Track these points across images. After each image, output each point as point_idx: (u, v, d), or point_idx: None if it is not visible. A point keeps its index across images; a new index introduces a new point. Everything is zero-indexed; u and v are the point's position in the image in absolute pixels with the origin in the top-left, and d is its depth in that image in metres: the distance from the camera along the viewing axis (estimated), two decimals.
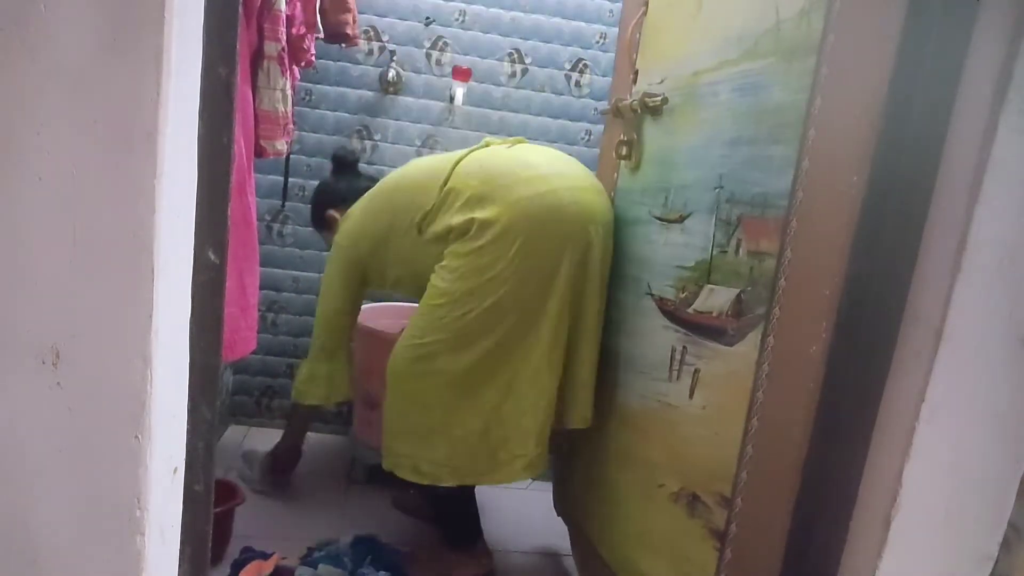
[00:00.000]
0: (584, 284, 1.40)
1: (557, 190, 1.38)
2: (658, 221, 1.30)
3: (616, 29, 2.16)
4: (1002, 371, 0.75)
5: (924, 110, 0.75)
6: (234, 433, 2.18)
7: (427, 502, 1.75)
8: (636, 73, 1.46)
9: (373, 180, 1.73)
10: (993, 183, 0.71)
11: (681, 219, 1.21)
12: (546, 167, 1.44)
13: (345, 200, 1.73)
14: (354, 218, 1.63)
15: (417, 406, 1.42)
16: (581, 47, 2.18)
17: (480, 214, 1.36)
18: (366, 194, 1.64)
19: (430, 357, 1.39)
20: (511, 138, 1.56)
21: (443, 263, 1.42)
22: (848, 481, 0.82)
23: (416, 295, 1.51)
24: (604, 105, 2.18)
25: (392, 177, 1.62)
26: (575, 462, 1.61)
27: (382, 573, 1.46)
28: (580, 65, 2.19)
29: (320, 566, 1.44)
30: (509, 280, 1.34)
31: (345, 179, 1.83)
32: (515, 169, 1.42)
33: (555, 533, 1.75)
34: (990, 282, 0.73)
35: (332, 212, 1.76)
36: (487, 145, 1.54)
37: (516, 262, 1.34)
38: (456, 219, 1.39)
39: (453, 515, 1.62)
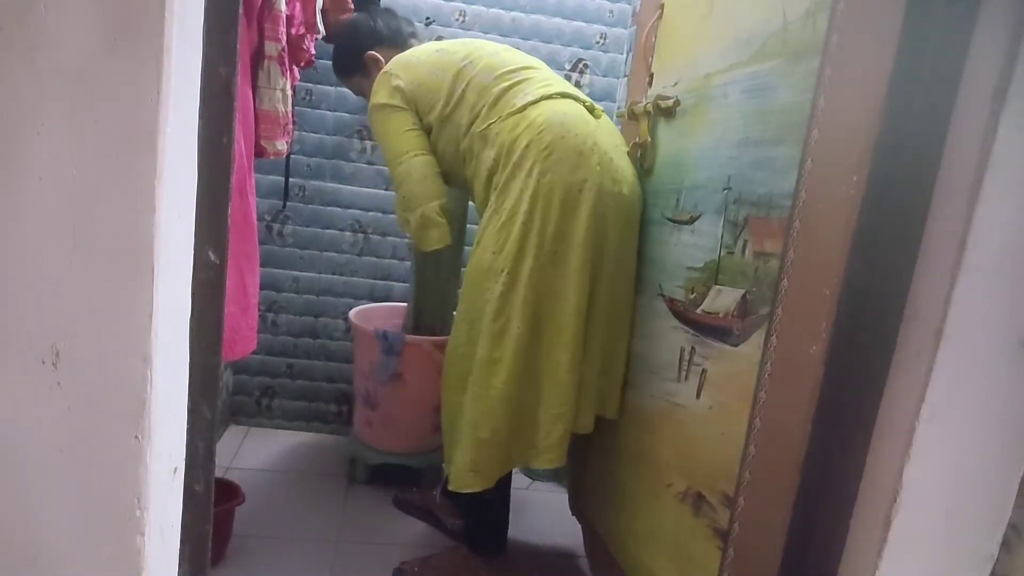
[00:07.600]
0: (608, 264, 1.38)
1: (604, 179, 1.35)
2: (670, 222, 1.31)
3: (616, 29, 2.17)
4: (1002, 371, 0.75)
5: (924, 110, 0.75)
6: (234, 433, 2.18)
7: (462, 506, 1.66)
8: (651, 76, 1.47)
9: (409, 21, 1.59)
10: (993, 183, 0.71)
11: (691, 220, 1.22)
12: (611, 152, 1.39)
13: (385, 41, 1.57)
14: (418, 57, 1.49)
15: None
16: (581, 47, 2.18)
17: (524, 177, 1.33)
18: (430, 46, 1.50)
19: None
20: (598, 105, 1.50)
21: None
22: (848, 481, 0.82)
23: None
24: (604, 105, 2.20)
25: (471, 45, 1.50)
26: (589, 461, 1.61)
27: None
28: (580, 65, 2.19)
29: None
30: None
31: (381, 17, 1.65)
32: (585, 145, 1.36)
33: (569, 533, 1.75)
34: (990, 282, 0.73)
35: (373, 53, 1.59)
36: (575, 99, 1.45)
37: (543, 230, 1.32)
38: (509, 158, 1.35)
39: (485, 523, 1.59)
